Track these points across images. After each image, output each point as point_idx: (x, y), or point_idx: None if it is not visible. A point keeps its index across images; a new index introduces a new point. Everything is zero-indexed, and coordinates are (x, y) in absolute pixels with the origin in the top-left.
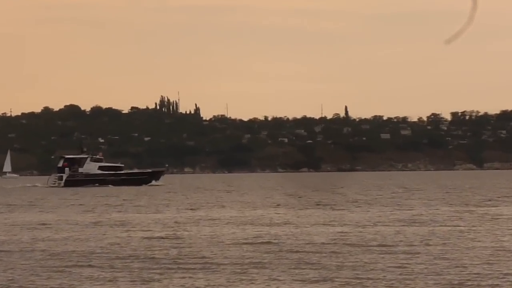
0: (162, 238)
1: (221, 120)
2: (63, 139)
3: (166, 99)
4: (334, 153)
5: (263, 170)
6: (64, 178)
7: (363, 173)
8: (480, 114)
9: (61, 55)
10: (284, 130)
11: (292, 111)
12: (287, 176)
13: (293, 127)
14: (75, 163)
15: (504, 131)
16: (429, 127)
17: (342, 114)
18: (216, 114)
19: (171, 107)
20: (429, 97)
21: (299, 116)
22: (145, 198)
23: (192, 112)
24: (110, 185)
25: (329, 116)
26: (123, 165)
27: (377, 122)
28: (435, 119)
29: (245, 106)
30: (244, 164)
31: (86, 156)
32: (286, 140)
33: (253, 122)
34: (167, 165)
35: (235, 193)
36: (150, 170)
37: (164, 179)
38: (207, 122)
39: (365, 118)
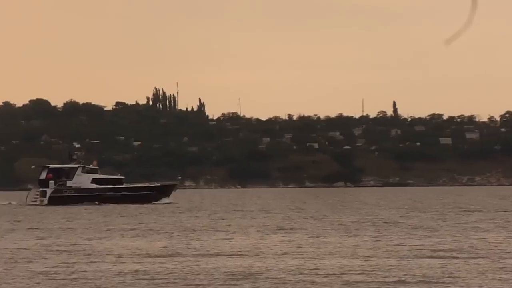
0: (136, 272)
1: (232, 120)
2: (28, 144)
3: (161, 92)
4: (379, 162)
5: (286, 184)
6: (48, 194)
7: (416, 188)
8: None
9: (25, 35)
10: (314, 132)
11: (324, 108)
12: (317, 192)
13: (325, 129)
14: (62, 175)
15: None
16: (503, 129)
17: (390, 112)
18: (225, 111)
19: (167, 103)
20: (503, 91)
21: (333, 115)
22: (127, 220)
23: (195, 109)
24: (107, 203)
25: (373, 115)
26: (123, 177)
27: (435, 123)
28: (511, 118)
29: (263, 102)
30: (262, 176)
31: (76, 165)
32: (316, 145)
33: (273, 122)
34: (180, 177)
35: (238, 213)
36: (158, 184)
37: (175, 195)
38: (214, 122)
39: (419, 118)
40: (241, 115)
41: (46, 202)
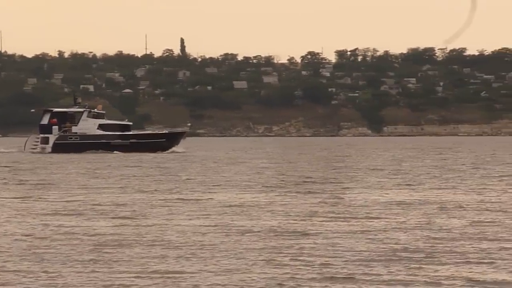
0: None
1: None
2: None
3: None
4: (166, 109)
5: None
6: (51, 140)
7: (207, 139)
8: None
9: None
10: (90, 73)
11: (101, 45)
12: None
13: (103, 69)
14: (66, 119)
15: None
16: (304, 73)
17: (177, 51)
18: None
19: None
20: (304, 29)
21: (111, 53)
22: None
23: None
24: (115, 151)
25: (158, 54)
26: (131, 123)
27: (229, 64)
28: (313, 60)
29: (28, 36)
30: (29, 123)
31: (81, 109)
32: (92, 88)
33: (41, 59)
34: (189, 124)
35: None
36: (166, 131)
37: (185, 143)
38: None
39: (210, 58)
40: (3, 51)
41: (49, 149)
